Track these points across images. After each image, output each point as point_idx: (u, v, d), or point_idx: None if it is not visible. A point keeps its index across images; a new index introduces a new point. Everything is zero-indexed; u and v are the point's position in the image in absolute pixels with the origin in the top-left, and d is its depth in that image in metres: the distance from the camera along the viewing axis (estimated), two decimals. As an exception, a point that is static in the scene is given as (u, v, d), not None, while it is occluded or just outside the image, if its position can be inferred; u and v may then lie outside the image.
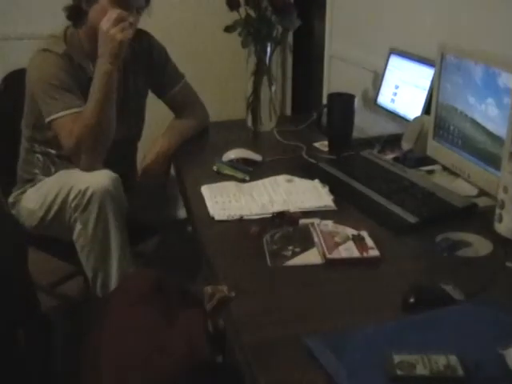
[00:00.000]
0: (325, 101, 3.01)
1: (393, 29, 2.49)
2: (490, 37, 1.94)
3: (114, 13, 1.87)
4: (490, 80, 1.62)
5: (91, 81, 1.93)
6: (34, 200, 2.06)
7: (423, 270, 1.41)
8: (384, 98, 2.45)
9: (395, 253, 1.46)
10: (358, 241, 1.48)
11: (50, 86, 1.94)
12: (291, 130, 2.32)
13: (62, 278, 2.56)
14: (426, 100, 2.19)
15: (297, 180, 1.84)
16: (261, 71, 2.25)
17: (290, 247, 1.47)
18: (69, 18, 2.00)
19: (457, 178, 1.83)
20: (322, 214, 1.64)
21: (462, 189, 1.77)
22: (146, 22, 2.04)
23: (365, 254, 1.43)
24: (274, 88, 2.28)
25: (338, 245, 1.46)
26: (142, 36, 2.11)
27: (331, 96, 2.06)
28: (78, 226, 1.92)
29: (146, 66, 2.15)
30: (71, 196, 1.91)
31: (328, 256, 1.41)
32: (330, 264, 1.41)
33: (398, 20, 2.45)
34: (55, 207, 1.98)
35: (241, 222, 1.59)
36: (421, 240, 1.52)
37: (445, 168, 1.89)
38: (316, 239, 1.49)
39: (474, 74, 1.68)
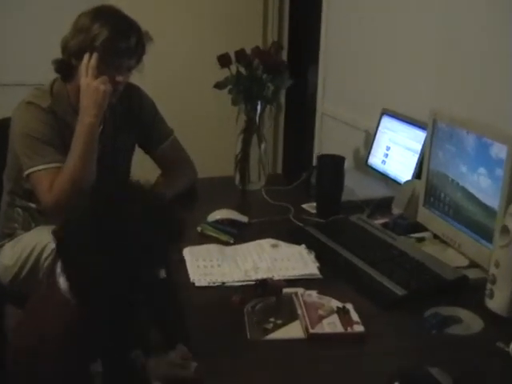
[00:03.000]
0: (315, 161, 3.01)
1: (386, 90, 2.47)
2: (481, 103, 1.92)
3: (92, 67, 1.88)
4: (482, 150, 1.58)
5: None
6: (9, 255, 1.99)
7: (410, 349, 1.34)
8: (375, 159, 2.41)
9: (381, 328, 1.40)
10: (343, 314, 1.41)
11: (32, 140, 1.90)
12: (280, 190, 2.28)
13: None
14: (417, 164, 2.15)
15: (282, 245, 1.78)
16: (250, 130, 2.22)
17: (272, 319, 1.40)
18: (57, 71, 1.96)
19: (448, 247, 1.77)
20: (306, 282, 1.58)
21: (453, 259, 1.71)
22: (135, 76, 2.01)
23: (349, 330, 1.36)
24: (263, 147, 2.25)
25: (321, 318, 1.40)
26: (131, 90, 2.08)
27: (321, 158, 2.02)
28: None
29: (135, 121, 2.11)
30: (44, 254, 1.85)
31: (311, 331, 1.35)
32: (313, 339, 1.34)
33: (391, 81, 2.43)
34: (29, 265, 1.91)
35: (222, 289, 1.52)
36: (409, 314, 1.46)
37: (436, 236, 1.84)
38: (299, 311, 1.43)
39: (466, 142, 1.64)
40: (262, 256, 1.70)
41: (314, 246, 1.77)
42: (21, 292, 2.00)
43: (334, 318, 1.40)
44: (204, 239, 1.82)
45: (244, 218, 1.95)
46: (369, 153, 2.46)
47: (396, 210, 2.03)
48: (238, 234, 1.85)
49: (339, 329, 1.36)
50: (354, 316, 1.40)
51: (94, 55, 1.87)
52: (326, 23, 2.92)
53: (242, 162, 2.24)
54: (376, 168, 2.39)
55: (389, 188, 2.23)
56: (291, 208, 2.07)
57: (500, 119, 1.79)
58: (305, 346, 1.33)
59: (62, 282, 1.25)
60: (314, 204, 2.09)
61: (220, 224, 1.90)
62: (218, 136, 3.33)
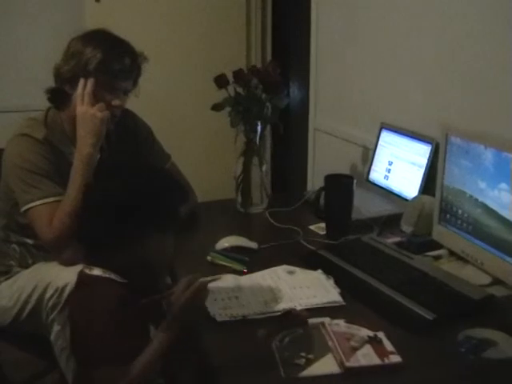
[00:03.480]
0: (310, 177, 2.96)
1: (383, 103, 2.43)
2: (485, 113, 1.89)
3: (88, 96, 1.81)
4: (503, 165, 1.54)
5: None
6: (7, 296, 1.89)
7: (450, 378, 1.29)
8: (377, 175, 2.37)
9: (416, 356, 1.33)
10: (376, 344, 1.35)
11: (28, 173, 1.81)
12: (283, 211, 2.21)
13: (36, 374, 2.35)
14: (423, 178, 2.11)
15: (298, 271, 1.71)
16: (251, 151, 2.15)
17: (303, 353, 1.33)
18: (51, 100, 1.88)
19: (466, 264, 1.73)
20: (330, 310, 1.52)
21: (474, 277, 1.66)
22: (131, 100, 1.94)
23: (386, 361, 1.30)
24: (264, 168, 2.18)
25: (354, 350, 1.33)
26: (126, 115, 2.00)
27: (328, 178, 1.96)
28: (56, 327, 1.76)
29: (132, 147, 2.03)
30: (48, 294, 1.76)
31: (346, 364, 1.28)
32: (349, 373, 1.27)
33: (388, 93, 2.39)
34: (30, 305, 1.82)
35: (245, 323, 1.45)
36: (441, 339, 1.40)
37: (451, 252, 1.79)
38: (330, 343, 1.36)
39: (483, 158, 1.60)
40: (280, 284, 1.64)
41: (330, 270, 1.71)
42: (17, 332, 1.92)
43: (368, 348, 1.34)
44: (215, 269, 1.75)
45: (253, 245, 1.88)
46: (369, 168, 2.41)
47: (405, 227, 1.98)
48: (250, 261, 1.78)
49: (375, 360, 1.30)
50: (388, 345, 1.34)
51: (90, 81, 1.80)
52: (315, 34, 2.86)
53: (244, 184, 2.17)
54: (378, 184, 2.35)
55: (394, 204, 2.18)
56: (299, 230, 2.01)
57: (506, 128, 1.76)
58: (342, 381, 1.26)
59: (97, 271, 1.34)
60: (322, 225, 2.03)
61: (229, 252, 1.83)
62: (215, 159, 3.27)
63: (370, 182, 2.39)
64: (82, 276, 1.38)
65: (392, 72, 2.36)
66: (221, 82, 2.08)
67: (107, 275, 1.34)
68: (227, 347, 1.36)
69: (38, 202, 1.80)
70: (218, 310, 1.50)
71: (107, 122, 1.84)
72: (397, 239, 1.92)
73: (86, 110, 1.80)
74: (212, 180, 2.85)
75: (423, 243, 1.85)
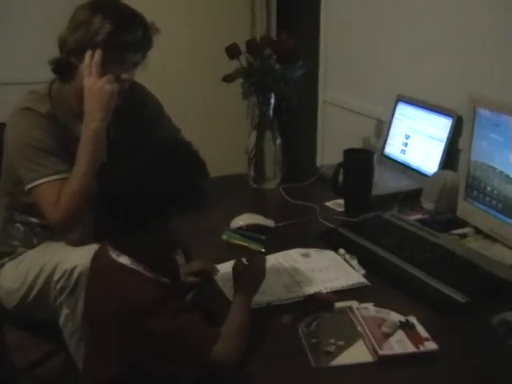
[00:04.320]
0: (320, 152, 2.87)
1: (398, 73, 2.32)
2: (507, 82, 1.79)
3: (96, 67, 1.70)
4: (538, 138, 1.46)
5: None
6: (12, 278, 1.81)
7: (490, 364, 1.22)
8: (393, 149, 2.28)
9: (452, 343, 1.27)
10: (408, 329, 1.28)
11: (32, 150, 1.71)
12: (297, 187, 2.12)
13: (42, 357, 2.28)
14: (443, 153, 2.02)
15: (313, 253, 1.64)
16: (264, 125, 2.06)
17: (332, 340, 1.26)
18: (55, 71, 1.77)
19: (495, 243, 1.65)
20: (355, 292, 1.45)
21: (503, 256, 1.59)
22: (139, 74, 1.83)
23: (421, 348, 1.23)
24: (278, 142, 2.09)
25: (387, 336, 1.26)
26: (135, 89, 1.89)
27: (347, 153, 1.87)
28: (65, 311, 1.68)
29: (141, 122, 1.93)
30: (56, 276, 1.68)
31: (380, 352, 1.21)
32: (383, 362, 1.20)
33: (404, 64, 2.28)
34: (37, 287, 1.74)
35: (270, 309, 1.37)
36: (474, 323, 1.34)
37: (478, 230, 1.72)
38: (360, 329, 1.29)
39: (517, 131, 1.51)
40: (298, 268, 1.56)
41: (352, 249, 1.63)
42: (26, 316, 1.84)
43: (401, 334, 1.27)
44: (231, 249, 1.67)
45: (270, 223, 1.80)
46: (384, 142, 2.32)
47: (426, 204, 1.91)
48: (267, 240, 1.70)
49: (410, 348, 1.23)
50: (422, 331, 1.28)
51: (98, 52, 1.69)
52: (326, 2, 2.75)
53: (257, 159, 2.08)
54: (394, 158, 2.26)
55: (412, 179, 2.10)
56: (316, 207, 1.92)
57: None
58: (376, 370, 1.19)
59: (124, 259, 1.25)
60: (339, 201, 1.95)
61: (246, 231, 1.74)
62: (226, 132, 3.18)
63: (386, 156, 2.30)
64: (109, 261, 1.29)
65: (408, 41, 2.25)
66: (233, 51, 1.98)
67: (135, 267, 1.25)
68: (255, 336, 1.28)
69: (43, 180, 1.70)
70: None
71: (116, 96, 1.73)
72: (418, 216, 1.85)
73: (94, 82, 1.69)
74: (223, 154, 2.76)
75: (448, 221, 1.77)
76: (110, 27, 1.69)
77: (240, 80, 2.00)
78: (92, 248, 1.66)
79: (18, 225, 1.87)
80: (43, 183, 1.70)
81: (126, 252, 1.26)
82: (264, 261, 1.42)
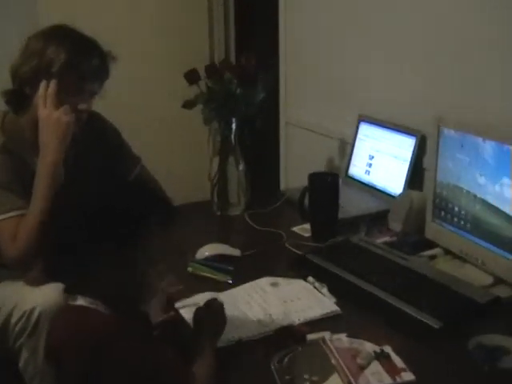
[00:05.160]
0: (283, 175, 2.84)
1: (360, 93, 2.30)
2: (479, 105, 1.78)
3: (51, 96, 1.64)
4: (504, 158, 1.44)
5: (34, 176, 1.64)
6: (-33, 320, 1.72)
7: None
8: (357, 170, 2.26)
9: (428, 371, 1.23)
10: (384, 360, 1.25)
11: None
12: (262, 213, 2.08)
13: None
14: (408, 172, 2.01)
15: (282, 282, 1.60)
16: (226, 150, 2.02)
17: (306, 376, 1.22)
18: (8, 103, 1.71)
19: (464, 264, 1.64)
20: (327, 322, 1.41)
21: (474, 277, 1.57)
22: (96, 102, 1.77)
23: (398, 380, 1.20)
24: (241, 167, 2.05)
25: (362, 369, 1.23)
26: (92, 118, 1.83)
27: (313, 176, 1.84)
28: (25, 354, 1.60)
29: (100, 152, 1.86)
30: (14, 318, 1.60)
31: (356, 387, 1.17)
32: (360, 396, 1.16)
33: (366, 83, 2.26)
34: None
35: (240, 346, 1.32)
36: (450, 348, 1.31)
37: (446, 251, 1.70)
38: (334, 362, 1.25)
39: (482, 151, 1.50)
40: (268, 299, 1.51)
41: (322, 276, 1.59)
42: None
43: (376, 366, 1.23)
44: (197, 281, 1.62)
45: (236, 252, 1.75)
46: (348, 163, 2.30)
47: (393, 225, 1.89)
48: (234, 270, 1.66)
49: (387, 380, 1.19)
50: (397, 361, 1.24)
51: (52, 82, 1.63)
52: (284, 21, 2.71)
53: (220, 185, 2.04)
54: (359, 179, 2.24)
55: (378, 201, 2.08)
56: (282, 233, 1.89)
57: (503, 119, 1.67)
58: (353, 406, 1.15)
59: (81, 300, 1.21)
60: (306, 226, 1.91)
61: (211, 261, 1.69)
62: (187, 159, 3.11)
63: (350, 177, 2.28)
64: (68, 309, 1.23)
65: (369, 60, 2.24)
66: (192, 77, 1.94)
67: (94, 306, 1.20)
68: (228, 374, 1.23)
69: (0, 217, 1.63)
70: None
71: (73, 127, 1.67)
72: (386, 238, 1.83)
73: (49, 113, 1.63)
74: (185, 181, 2.71)
75: (416, 242, 1.75)
76: (65, 56, 1.63)
77: (201, 106, 1.96)
78: (50, 286, 1.61)
79: (-26, 264, 1.78)
80: (0, 220, 1.63)
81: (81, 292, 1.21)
82: (222, 306, 1.37)
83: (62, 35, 1.67)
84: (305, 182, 1.88)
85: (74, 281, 1.23)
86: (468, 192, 1.56)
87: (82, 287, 1.22)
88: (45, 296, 1.58)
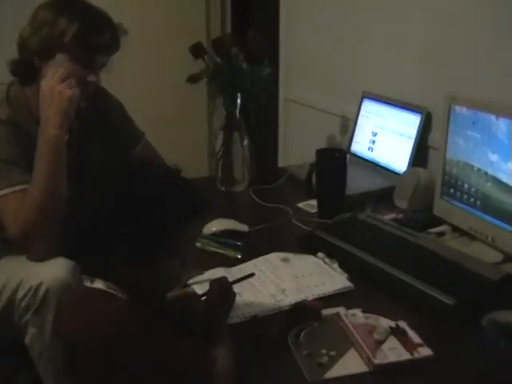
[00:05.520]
0: (282, 152, 2.82)
1: (363, 70, 2.29)
2: (488, 82, 1.77)
3: (59, 68, 1.59)
4: (518, 135, 1.44)
5: None
6: (-28, 295, 1.69)
7: (485, 367, 1.20)
8: (360, 147, 2.25)
9: (444, 347, 1.24)
10: (401, 335, 1.25)
11: None
12: (266, 189, 2.07)
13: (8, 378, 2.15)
14: (412, 150, 2.00)
15: (292, 257, 1.59)
16: (231, 125, 1.99)
17: (324, 351, 1.22)
18: (15, 73, 1.66)
19: (473, 241, 1.64)
20: (341, 298, 1.41)
21: (484, 254, 1.58)
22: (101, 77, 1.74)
23: (416, 355, 1.20)
24: (246, 143, 2.03)
25: (379, 344, 1.23)
26: (97, 92, 1.79)
27: (320, 153, 1.82)
28: (32, 330, 1.57)
29: (103, 126, 1.83)
30: (20, 294, 1.56)
31: (375, 362, 1.17)
32: (379, 371, 1.16)
33: (369, 60, 2.25)
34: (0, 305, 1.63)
35: (256, 322, 1.32)
36: (464, 325, 1.32)
37: (454, 228, 1.70)
38: (351, 337, 1.25)
39: (495, 128, 1.50)
40: (279, 274, 1.51)
41: (331, 252, 1.59)
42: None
43: (393, 341, 1.23)
44: (206, 257, 1.61)
45: (244, 227, 1.74)
46: (351, 140, 2.29)
47: (399, 202, 1.89)
48: (242, 246, 1.65)
49: (405, 355, 1.19)
50: (414, 336, 1.25)
51: (63, 55, 1.59)
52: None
53: (225, 161, 2.02)
54: (362, 156, 2.24)
55: (383, 178, 2.07)
56: (288, 209, 1.88)
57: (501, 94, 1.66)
58: (372, 381, 1.16)
59: (98, 283, 1.18)
60: (312, 202, 1.91)
61: (220, 237, 1.68)
62: (190, 134, 3.08)
63: (352, 154, 2.27)
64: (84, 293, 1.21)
65: (373, 36, 2.22)
66: (197, 51, 1.91)
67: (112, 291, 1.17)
68: (245, 350, 1.22)
69: (4, 191, 1.59)
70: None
71: (78, 100, 1.63)
72: (393, 215, 1.82)
73: (53, 85, 1.58)
74: (188, 157, 2.68)
75: (425, 219, 1.75)
76: (78, 28, 1.58)
77: (205, 80, 1.93)
78: (57, 262, 1.58)
79: (-23, 239, 1.75)
80: (4, 195, 1.60)
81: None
82: (229, 282, 1.33)
83: (73, 6, 1.63)
84: (305, 159, 1.87)
85: (96, 265, 1.20)
86: (479, 169, 1.56)
87: (102, 271, 1.19)
88: (52, 272, 1.55)
